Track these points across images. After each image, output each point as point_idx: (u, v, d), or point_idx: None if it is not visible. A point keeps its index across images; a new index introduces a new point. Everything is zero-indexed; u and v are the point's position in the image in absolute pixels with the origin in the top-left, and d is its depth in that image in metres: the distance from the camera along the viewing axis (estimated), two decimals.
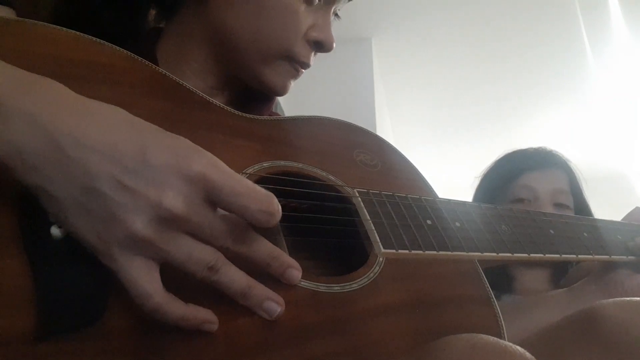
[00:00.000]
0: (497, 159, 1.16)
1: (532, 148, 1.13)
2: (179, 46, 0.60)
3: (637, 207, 0.78)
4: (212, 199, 0.33)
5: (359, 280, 0.43)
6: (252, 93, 0.67)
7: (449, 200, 0.57)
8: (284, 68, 0.59)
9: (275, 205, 0.33)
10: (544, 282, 1.02)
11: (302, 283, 0.40)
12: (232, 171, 0.33)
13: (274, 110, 0.74)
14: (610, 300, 0.50)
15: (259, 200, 0.33)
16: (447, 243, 0.50)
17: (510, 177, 1.08)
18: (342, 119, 0.62)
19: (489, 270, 1.00)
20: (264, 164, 0.48)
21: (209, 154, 0.33)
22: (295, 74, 0.61)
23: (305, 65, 0.61)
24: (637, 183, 3.51)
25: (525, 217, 0.62)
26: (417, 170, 0.64)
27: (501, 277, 1.03)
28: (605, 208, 1.08)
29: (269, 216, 0.33)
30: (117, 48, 0.46)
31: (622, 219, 0.77)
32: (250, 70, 0.59)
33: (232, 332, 0.35)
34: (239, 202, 0.32)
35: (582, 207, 1.08)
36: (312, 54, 0.60)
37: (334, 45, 0.60)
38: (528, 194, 1.04)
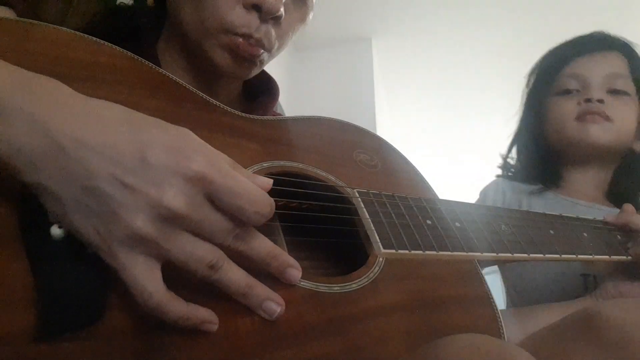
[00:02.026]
0: (543, 54, 0.97)
1: (582, 34, 0.93)
2: (169, 45, 0.61)
3: (625, 204, 0.77)
4: (212, 197, 0.33)
5: (358, 280, 0.43)
6: (252, 88, 0.67)
7: (449, 200, 0.57)
8: (222, 40, 0.54)
9: (268, 208, 0.34)
10: (591, 186, 0.92)
11: (302, 283, 0.40)
12: (231, 171, 0.34)
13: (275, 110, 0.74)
14: (611, 300, 0.50)
15: (254, 202, 0.33)
16: (447, 243, 0.50)
17: (556, 68, 0.91)
18: (342, 119, 0.62)
19: (537, 164, 0.93)
20: (264, 164, 0.48)
21: (210, 152, 0.34)
22: (235, 48, 0.54)
23: (246, 34, 0.54)
24: None
25: (525, 217, 0.62)
26: (417, 170, 0.64)
27: (549, 173, 0.93)
28: None
29: (262, 217, 0.34)
30: (117, 48, 0.46)
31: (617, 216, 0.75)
32: (199, 51, 0.56)
33: (232, 332, 0.35)
34: (236, 203, 0.33)
35: None
36: (256, 21, 0.54)
37: (281, 8, 0.54)
38: (575, 83, 0.88)
